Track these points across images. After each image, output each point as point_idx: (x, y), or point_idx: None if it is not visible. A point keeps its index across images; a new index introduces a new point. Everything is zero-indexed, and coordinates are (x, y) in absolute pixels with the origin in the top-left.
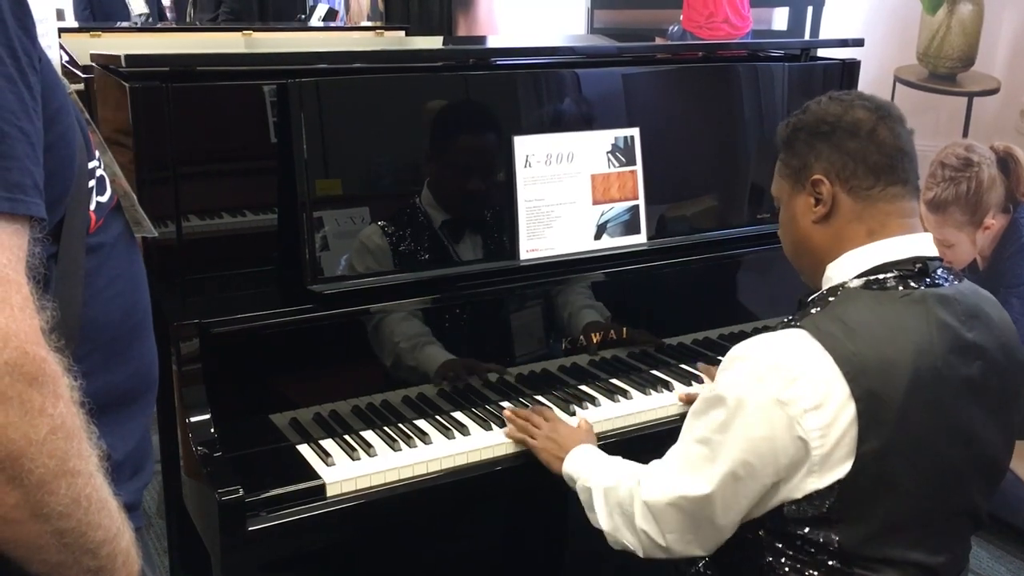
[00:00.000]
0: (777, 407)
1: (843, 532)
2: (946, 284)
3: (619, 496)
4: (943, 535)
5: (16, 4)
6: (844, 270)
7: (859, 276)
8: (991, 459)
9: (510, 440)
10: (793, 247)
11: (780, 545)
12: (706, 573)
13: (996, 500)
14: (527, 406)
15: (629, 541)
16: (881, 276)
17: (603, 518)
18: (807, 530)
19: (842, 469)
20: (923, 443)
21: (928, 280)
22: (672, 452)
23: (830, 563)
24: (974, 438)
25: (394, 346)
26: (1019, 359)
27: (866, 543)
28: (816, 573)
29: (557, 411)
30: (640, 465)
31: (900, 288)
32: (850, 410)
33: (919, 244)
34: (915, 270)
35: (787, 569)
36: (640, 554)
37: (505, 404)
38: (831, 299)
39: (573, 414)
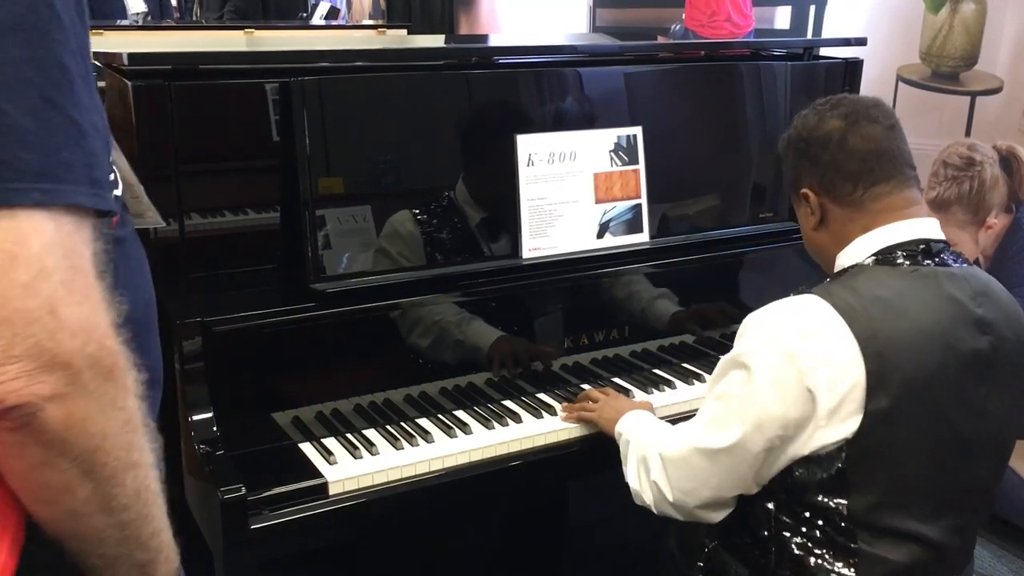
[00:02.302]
0: (787, 361)
1: (852, 498)
2: (954, 265)
3: (645, 451)
4: (952, 512)
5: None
6: (855, 254)
7: (870, 256)
8: (1000, 437)
9: (511, 439)
10: (808, 247)
11: (789, 520)
12: (715, 552)
13: (1000, 501)
14: (531, 405)
15: (646, 496)
16: (890, 255)
17: (630, 472)
18: (816, 497)
19: (849, 426)
20: (932, 411)
21: (936, 259)
22: (698, 413)
23: (838, 538)
24: (984, 413)
25: (434, 324)
26: None
27: (873, 511)
28: (823, 551)
29: (561, 409)
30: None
31: (909, 264)
32: (859, 368)
33: (923, 227)
34: (919, 249)
35: (795, 544)
36: (654, 510)
37: (507, 403)
38: (844, 274)
39: None
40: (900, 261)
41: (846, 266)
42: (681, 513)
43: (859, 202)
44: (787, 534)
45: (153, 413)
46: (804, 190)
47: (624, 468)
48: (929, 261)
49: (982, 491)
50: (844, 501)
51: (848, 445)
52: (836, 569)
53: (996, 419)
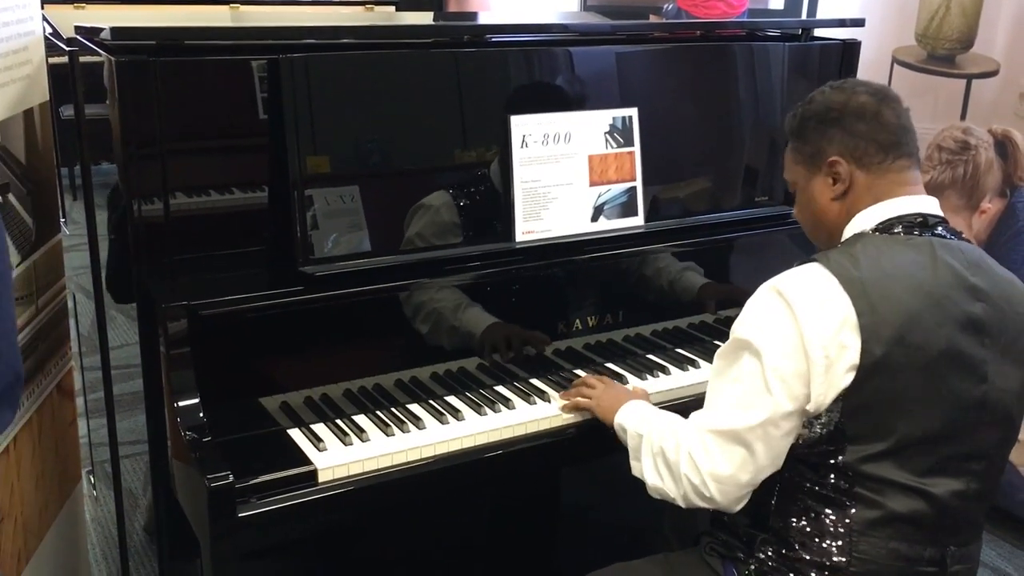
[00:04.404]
0: (790, 319)
1: (849, 451)
2: (949, 238)
3: (665, 445)
4: (951, 474)
5: None
6: (859, 225)
7: (871, 228)
8: (1004, 407)
9: (503, 425)
10: (813, 223)
11: (791, 471)
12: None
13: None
14: (523, 390)
15: (671, 490)
16: (890, 227)
17: (648, 467)
18: (816, 449)
19: (845, 380)
20: (927, 368)
21: (932, 232)
22: (709, 399)
23: (838, 484)
24: (986, 379)
25: (431, 312)
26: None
27: (870, 462)
28: (822, 494)
29: (554, 394)
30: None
31: (904, 234)
32: (853, 324)
33: (922, 203)
34: (916, 222)
35: (794, 491)
36: (682, 504)
37: (499, 388)
38: (846, 242)
39: None
40: (897, 231)
41: (847, 236)
42: (717, 504)
43: (885, 170)
44: (789, 477)
45: None
46: (834, 158)
47: (635, 462)
48: (923, 233)
49: (984, 460)
50: (842, 453)
51: (844, 398)
52: (832, 509)
53: (999, 388)
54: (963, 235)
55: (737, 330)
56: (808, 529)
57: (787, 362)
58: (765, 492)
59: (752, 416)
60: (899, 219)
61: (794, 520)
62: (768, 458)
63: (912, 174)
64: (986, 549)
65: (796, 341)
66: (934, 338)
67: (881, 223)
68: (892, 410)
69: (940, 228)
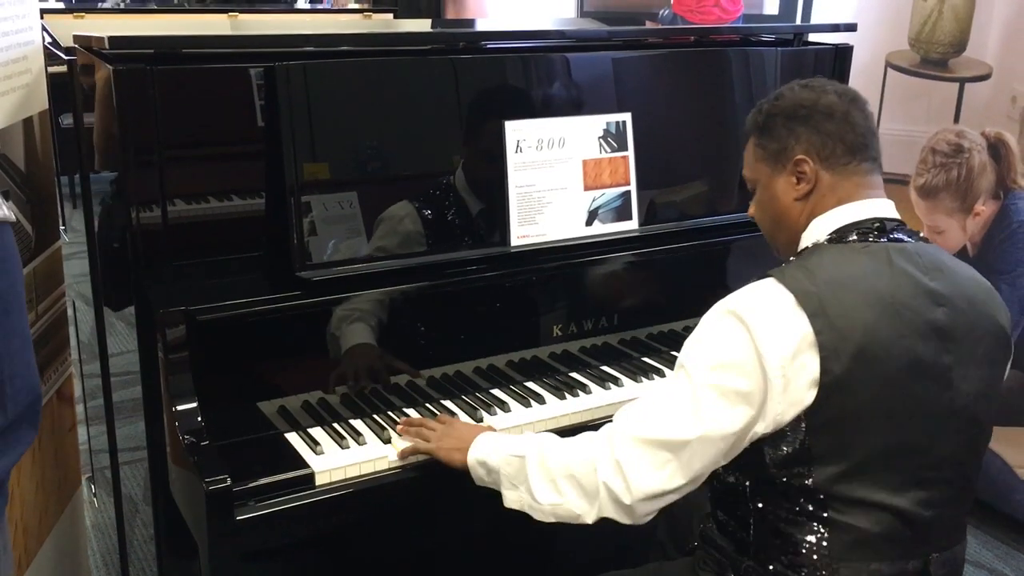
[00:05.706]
0: (744, 337)
1: (818, 471)
2: (907, 241)
3: (569, 460)
4: (922, 485)
5: None
6: (815, 234)
7: (826, 237)
8: (970, 413)
9: (500, 428)
10: (772, 224)
11: (764, 497)
12: (708, 530)
13: (985, 487)
14: (519, 394)
15: (575, 506)
16: (845, 235)
17: (542, 488)
18: (786, 471)
19: (806, 398)
20: (889, 380)
21: (889, 237)
22: (650, 407)
23: (809, 508)
24: (951, 386)
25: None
26: (988, 312)
27: (840, 481)
28: (796, 520)
29: (550, 397)
30: (581, 435)
31: (859, 242)
32: (811, 342)
33: (879, 207)
34: (873, 228)
35: (770, 518)
36: (589, 519)
37: (495, 392)
38: (801, 254)
39: (564, 399)
40: (852, 239)
41: (805, 245)
42: (630, 515)
43: (850, 172)
44: (762, 508)
45: None
46: (800, 156)
47: (511, 492)
48: (883, 238)
49: (955, 466)
50: (811, 474)
51: (807, 416)
52: (807, 537)
53: (965, 393)
54: (922, 234)
55: (689, 348)
56: (786, 559)
57: (739, 383)
58: (741, 525)
59: (691, 430)
60: (856, 225)
61: (773, 553)
62: (694, 474)
63: (875, 178)
64: (983, 551)
65: (753, 363)
66: (895, 350)
67: (836, 231)
68: (857, 426)
69: (897, 232)
